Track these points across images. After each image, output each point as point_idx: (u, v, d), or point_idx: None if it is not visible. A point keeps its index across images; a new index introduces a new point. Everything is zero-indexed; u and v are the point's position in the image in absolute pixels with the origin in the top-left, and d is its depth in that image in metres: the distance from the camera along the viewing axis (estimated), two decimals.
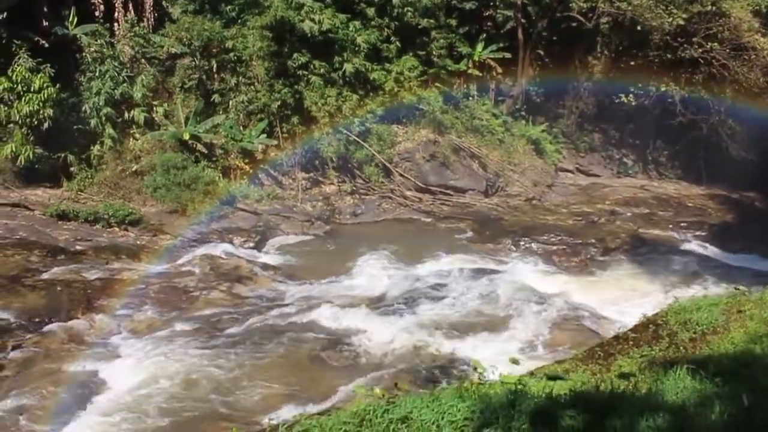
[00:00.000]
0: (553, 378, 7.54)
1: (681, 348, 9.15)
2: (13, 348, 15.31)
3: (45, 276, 18.99)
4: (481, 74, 32.96)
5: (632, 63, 32.66)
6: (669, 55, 31.48)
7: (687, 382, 6.33)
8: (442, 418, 5.50)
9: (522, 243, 24.49)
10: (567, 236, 25.08)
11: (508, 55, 33.01)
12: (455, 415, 5.55)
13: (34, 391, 13.73)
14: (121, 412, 13.24)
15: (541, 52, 34.32)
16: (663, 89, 31.31)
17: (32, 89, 23.12)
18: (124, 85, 25.55)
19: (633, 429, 5.10)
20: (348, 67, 27.98)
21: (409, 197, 28.39)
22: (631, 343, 9.95)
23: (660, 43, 30.98)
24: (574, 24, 32.53)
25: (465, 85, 32.83)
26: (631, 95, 31.95)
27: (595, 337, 16.00)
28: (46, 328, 16.34)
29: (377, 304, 18.68)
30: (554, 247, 24.13)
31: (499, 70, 33.32)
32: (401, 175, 28.68)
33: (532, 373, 9.48)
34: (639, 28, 30.48)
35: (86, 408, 13.41)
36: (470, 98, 32.57)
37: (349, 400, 11.65)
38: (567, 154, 34.82)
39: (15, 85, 23.05)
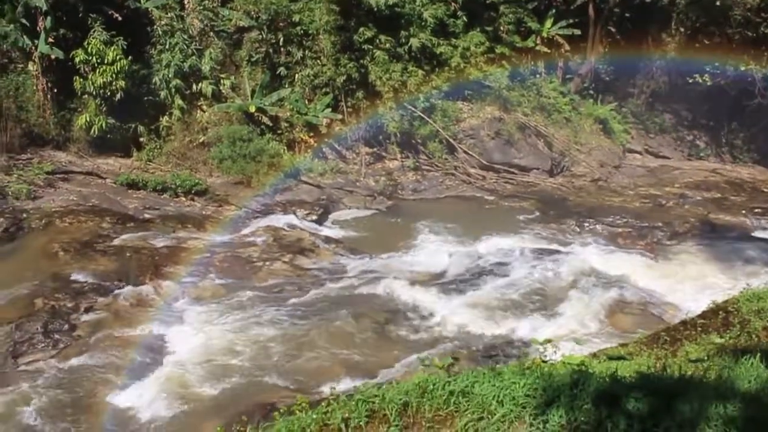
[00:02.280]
0: (616, 358, 7.40)
1: (754, 336, 8.83)
2: (86, 310, 15.93)
3: (115, 242, 19.61)
4: (549, 51, 32.31)
5: (709, 41, 31.43)
6: (750, 33, 30.18)
7: (760, 371, 6.10)
8: (503, 394, 5.46)
9: (586, 224, 24.04)
10: (633, 219, 24.50)
11: (577, 32, 32.21)
12: (516, 392, 5.50)
13: (104, 351, 14.28)
14: (185, 375, 13.64)
15: (613, 29, 33.39)
16: (742, 69, 30.01)
17: (106, 61, 23.73)
18: (193, 57, 25.97)
19: (702, 415, 4.95)
20: (414, 42, 27.78)
21: (472, 175, 28.15)
22: (699, 329, 9.65)
23: (741, 19, 29.74)
24: None
25: (532, 62, 32.25)
26: (706, 75, 30.78)
27: (659, 322, 15.64)
28: (116, 291, 16.91)
29: (438, 280, 18.65)
30: (619, 230, 23.60)
31: (568, 47, 32.59)
32: (465, 152, 28.44)
33: (594, 355, 9.32)
34: (718, 3, 29.27)
35: (152, 369, 13.86)
36: (537, 76, 32.02)
37: (408, 374, 11.70)
38: (636, 135, 33.92)
39: (90, 58, 23.69)
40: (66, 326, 15.17)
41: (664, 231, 23.52)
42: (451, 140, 28.15)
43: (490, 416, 5.30)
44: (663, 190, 28.82)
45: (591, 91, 33.42)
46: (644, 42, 32.77)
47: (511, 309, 17.04)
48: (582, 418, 5.14)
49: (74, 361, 13.99)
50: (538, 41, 32.21)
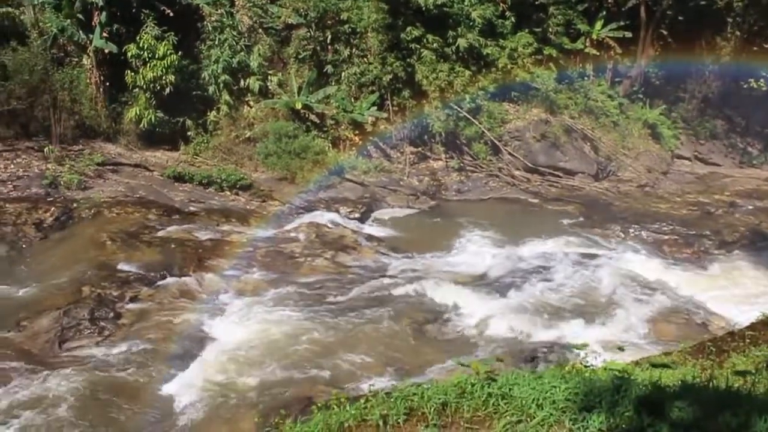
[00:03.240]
0: (659, 366, 7.26)
1: None
2: (131, 299, 16.25)
3: (161, 234, 19.95)
4: (598, 53, 31.89)
5: (767, 44, 30.64)
6: None
7: None
8: (543, 397, 5.41)
9: (631, 230, 23.67)
10: (680, 226, 24.05)
11: (628, 34, 31.73)
12: (556, 395, 5.44)
13: (147, 339, 14.54)
14: (225, 366, 13.80)
15: (665, 32, 32.80)
16: None
17: (156, 56, 24.18)
18: (242, 53, 26.29)
19: (749, 429, 4.83)
20: (461, 42, 27.70)
21: (516, 177, 27.95)
22: (747, 341, 9.41)
23: None
24: (703, 2, 30.85)
25: (581, 65, 31.89)
26: (762, 80, 30.02)
27: (704, 332, 15.33)
28: (160, 282, 17.21)
29: (479, 282, 18.56)
30: (665, 237, 23.19)
31: (618, 49, 32.12)
32: (510, 153, 28.25)
33: (636, 363, 9.17)
34: None
35: (193, 359, 14.06)
36: (585, 78, 31.63)
37: (447, 374, 11.67)
38: (685, 141, 33.31)
39: (142, 52, 24.18)
40: (111, 314, 15.51)
41: (712, 240, 23.04)
42: (496, 141, 27.98)
43: (529, 419, 5.25)
44: (712, 198, 28.23)
45: (640, 95, 32.89)
46: (697, 45, 32.13)
47: (551, 313, 16.85)
48: (623, 425, 5.06)
49: (118, 348, 14.29)
50: (588, 43, 31.83)
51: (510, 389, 5.54)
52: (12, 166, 22.25)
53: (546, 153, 28.69)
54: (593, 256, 20.62)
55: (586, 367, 6.66)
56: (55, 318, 15.05)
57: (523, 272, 19.23)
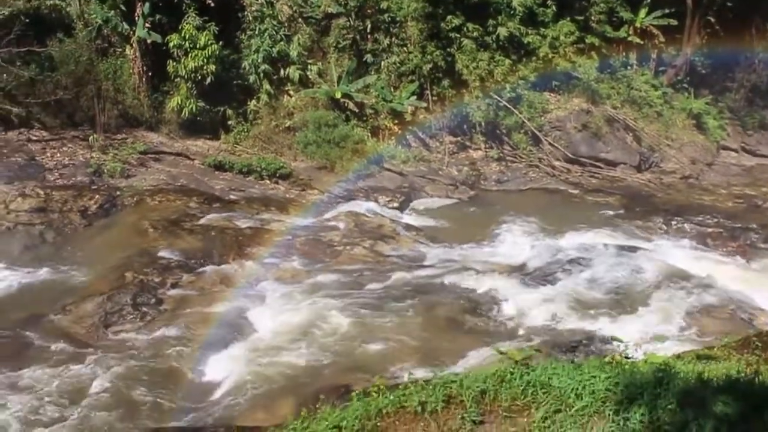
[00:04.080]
0: (703, 359, 7.15)
1: None
2: (172, 285, 16.50)
3: (201, 221, 20.21)
4: (642, 42, 31.27)
5: None
6: None
7: None
8: (583, 388, 5.38)
9: (674, 222, 23.23)
10: (725, 219, 23.52)
11: (673, 22, 31.04)
12: (596, 386, 5.41)
13: (187, 325, 14.77)
14: (263, 353, 13.96)
15: (712, 19, 31.98)
16: None
17: (198, 46, 24.41)
18: (282, 43, 26.42)
19: None
20: (502, 31, 27.44)
21: (557, 167, 27.66)
22: None
23: None
24: None
25: (623, 54, 31.32)
26: None
27: (748, 327, 14.99)
28: (201, 269, 17.44)
29: (518, 272, 18.42)
30: (710, 230, 22.69)
31: (662, 38, 31.42)
32: (550, 144, 27.95)
33: (678, 356, 9.02)
34: None
35: (232, 345, 14.25)
36: (628, 67, 31.08)
37: (485, 364, 11.63)
38: (732, 131, 32.55)
39: (183, 42, 24.43)
40: (153, 300, 15.78)
41: (758, 233, 22.48)
42: (536, 132, 27.71)
43: (568, 409, 5.22)
44: (759, 191, 27.56)
45: (685, 85, 32.19)
46: (746, 33, 31.30)
47: (591, 305, 16.65)
48: (666, 418, 4.99)
49: (159, 334, 14.54)
50: (631, 31, 31.22)
51: (549, 379, 5.51)
52: (58, 154, 22.71)
53: (587, 143, 28.33)
54: (634, 249, 20.28)
55: (626, 358, 6.58)
56: (99, 303, 15.37)
57: (562, 263, 18.99)
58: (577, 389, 5.31)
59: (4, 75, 23.06)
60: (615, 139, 28.69)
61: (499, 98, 27.37)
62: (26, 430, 11.38)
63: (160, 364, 13.51)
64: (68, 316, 15.02)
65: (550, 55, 28.53)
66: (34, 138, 23.10)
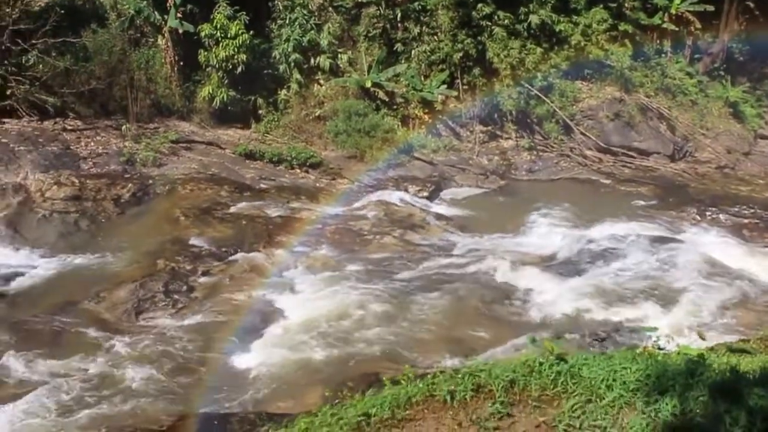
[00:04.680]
0: (738, 352, 7.03)
1: None
2: (203, 273, 16.70)
3: (232, 210, 20.39)
4: (677, 29, 30.62)
5: None
6: None
7: None
8: (614, 379, 5.32)
9: (708, 213, 22.82)
10: (762, 209, 23.04)
11: (710, 8, 30.28)
12: (627, 377, 5.34)
13: (218, 312, 14.98)
14: (293, 341, 14.11)
15: (751, 4, 31.19)
16: None
17: (229, 35, 24.56)
18: (312, 32, 26.44)
19: None
20: (533, 19, 27.12)
21: (588, 157, 27.33)
22: None
23: None
24: None
25: (658, 41, 30.72)
26: None
27: None
28: (231, 257, 17.62)
29: (547, 263, 18.30)
30: (746, 221, 22.25)
31: (698, 24, 30.68)
32: (582, 133, 27.61)
33: (711, 348, 8.89)
34: None
35: (262, 333, 14.43)
36: (662, 55, 30.49)
37: (513, 354, 11.58)
38: None
39: (215, 32, 24.59)
40: (184, 287, 15.98)
41: None
42: (568, 121, 27.39)
43: (598, 399, 5.17)
44: None
45: (721, 72, 31.46)
46: None
47: (622, 296, 16.49)
48: (698, 410, 4.92)
49: (190, 320, 14.77)
50: (666, 18, 30.56)
51: (579, 369, 5.46)
52: (92, 143, 23.03)
53: (619, 132, 27.92)
54: (667, 240, 20.01)
55: (658, 350, 6.49)
56: (132, 290, 15.61)
57: (593, 254, 18.83)
58: (608, 380, 5.25)
59: (41, 65, 23.42)
60: (648, 128, 28.23)
61: (530, 87, 27.08)
62: (61, 413, 11.61)
63: (191, 350, 13.70)
64: (102, 303, 15.29)
65: (582, 43, 28.10)
66: (69, 127, 23.44)
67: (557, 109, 27.15)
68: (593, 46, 28.25)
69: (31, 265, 17.28)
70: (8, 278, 16.58)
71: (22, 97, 23.12)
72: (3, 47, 22.85)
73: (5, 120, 22.81)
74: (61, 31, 23.66)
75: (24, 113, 23.15)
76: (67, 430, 11.18)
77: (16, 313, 15.00)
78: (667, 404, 4.95)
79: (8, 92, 23.00)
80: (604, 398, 5.15)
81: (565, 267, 17.95)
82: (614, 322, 15.04)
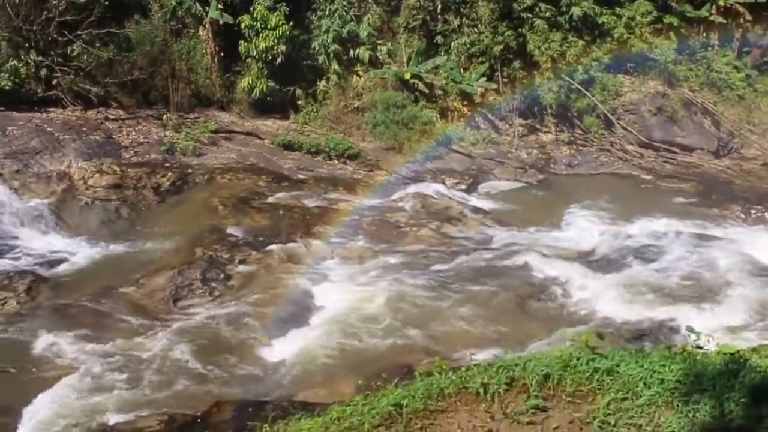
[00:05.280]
0: None
1: None
2: (240, 262, 16.85)
3: (270, 200, 20.52)
4: (725, 21, 29.82)
5: None
6: None
7: None
8: (651, 377, 5.24)
9: (753, 211, 22.33)
10: None
11: None
12: (665, 376, 5.26)
13: (254, 301, 15.13)
14: (327, 331, 14.19)
15: None
16: None
17: (269, 26, 24.66)
18: (352, 23, 26.43)
19: None
20: (575, 11, 26.71)
21: (629, 152, 26.89)
22: None
23: None
24: None
25: (704, 34, 30.01)
26: None
27: None
28: (268, 247, 17.73)
29: (585, 258, 18.06)
30: None
31: (749, 16, 29.84)
32: (623, 128, 27.16)
33: (754, 349, 8.70)
34: None
35: (297, 322, 14.53)
36: (709, 48, 29.76)
37: (549, 348, 11.47)
38: None
39: (255, 23, 24.71)
40: (221, 276, 16.15)
41: None
42: (609, 115, 26.96)
43: (635, 397, 5.10)
44: None
45: None
46: None
47: (661, 294, 16.20)
48: (738, 412, 4.82)
49: (227, 308, 14.93)
50: (713, 10, 29.82)
51: (616, 366, 5.39)
52: (134, 132, 23.36)
53: (662, 127, 27.40)
54: (709, 237, 19.60)
55: (697, 349, 6.37)
56: (170, 277, 15.83)
57: (632, 250, 18.51)
58: (645, 378, 5.18)
59: (85, 56, 23.82)
60: (692, 124, 27.66)
61: (570, 80, 26.71)
62: (100, 394, 11.86)
63: (227, 338, 13.87)
64: (141, 289, 15.55)
65: (625, 36, 27.60)
66: (111, 117, 23.82)
67: (598, 103, 26.75)
68: (636, 39, 27.75)
69: (73, 251, 17.67)
70: (52, 263, 16.98)
71: (67, 87, 23.58)
72: (50, 38, 23.29)
73: (51, 109, 23.28)
74: (105, 22, 24.01)
75: (69, 103, 23.61)
76: (106, 410, 11.41)
77: (59, 297, 15.35)
78: (705, 405, 4.86)
79: (54, 82, 23.47)
80: (640, 396, 5.08)
81: (603, 263, 17.70)
82: (652, 319, 14.79)
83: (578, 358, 5.44)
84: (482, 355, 11.71)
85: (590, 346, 5.75)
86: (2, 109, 22.19)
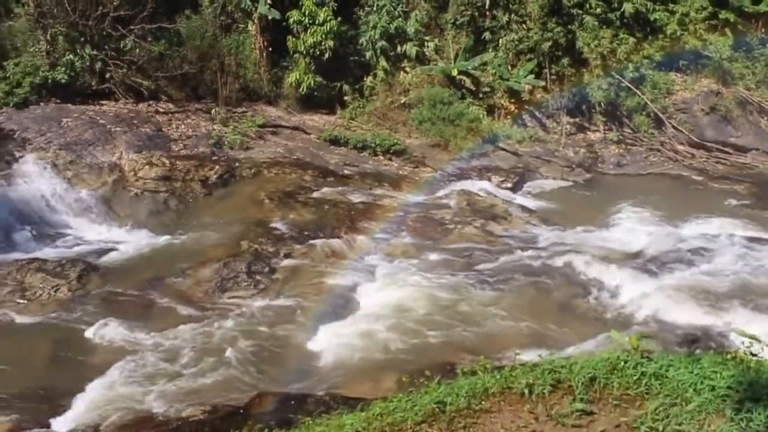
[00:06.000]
0: None
1: None
2: (285, 255, 17.00)
3: (315, 195, 20.64)
4: None
5: None
6: None
7: None
8: (701, 382, 5.09)
9: None
10: None
11: None
12: (717, 382, 5.10)
13: (298, 295, 15.25)
14: (370, 327, 14.18)
15: None
16: None
17: (317, 22, 24.80)
18: (399, 19, 26.40)
19: None
20: (627, 7, 26.21)
21: (680, 152, 26.30)
22: None
23: None
24: None
25: (763, 30, 29.13)
26: None
27: None
28: (313, 241, 17.82)
29: (633, 260, 17.70)
30: None
31: None
32: (674, 127, 26.58)
33: None
34: None
35: (340, 317, 14.58)
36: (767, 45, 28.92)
37: (594, 351, 11.29)
38: None
39: (303, 18, 24.88)
40: (266, 269, 16.31)
41: None
42: (659, 114, 26.41)
43: (684, 403, 4.97)
44: None
45: None
46: None
47: (712, 298, 15.74)
48: None
49: (271, 301, 15.09)
50: None
51: (665, 370, 5.26)
52: (182, 126, 23.73)
53: (715, 127, 26.75)
54: (764, 241, 19.03)
55: (752, 356, 6.18)
56: (216, 269, 16.05)
57: (682, 253, 18.07)
58: (696, 384, 5.03)
59: (137, 50, 24.27)
60: (747, 123, 26.93)
61: (620, 78, 26.23)
62: (146, 383, 12.08)
63: (271, 330, 14.01)
64: (187, 280, 15.80)
65: (678, 33, 26.96)
66: (161, 110, 24.23)
67: (649, 102, 26.23)
68: (690, 36, 27.08)
69: (122, 241, 18.08)
70: (102, 252, 17.39)
71: (120, 81, 24.09)
72: (104, 33, 23.78)
73: (104, 102, 23.80)
74: (157, 17, 24.42)
75: (121, 96, 24.11)
76: (151, 399, 11.62)
77: (109, 285, 15.70)
78: (759, 414, 4.71)
79: (107, 76, 23.98)
80: (690, 402, 4.94)
81: (652, 265, 17.30)
82: (702, 324, 14.43)
83: (626, 362, 5.33)
84: (526, 356, 11.55)
85: (638, 350, 5.63)
86: (58, 101, 22.81)
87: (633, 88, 26.16)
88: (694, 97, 27.06)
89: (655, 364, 5.31)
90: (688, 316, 14.81)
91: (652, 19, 26.87)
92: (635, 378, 5.17)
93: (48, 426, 11.08)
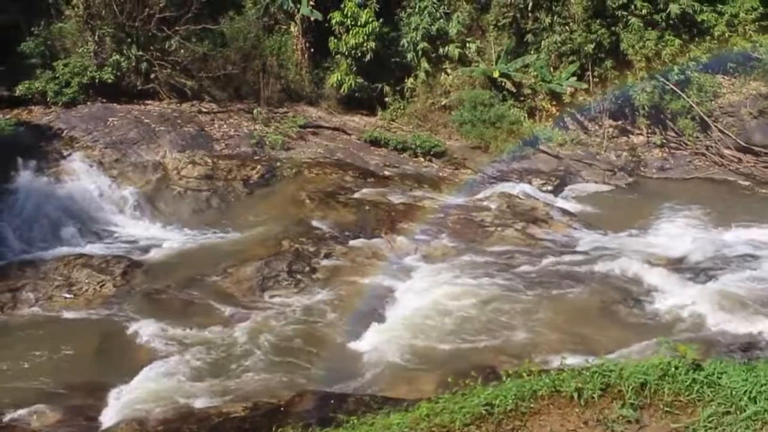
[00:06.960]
0: None
1: None
2: (325, 255, 17.08)
3: (356, 195, 20.70)
4: None
5: None
6: None
7: None
8: (757, 390, 4.99)
9: None
10: None
11: None
12: None
13: (338, 295, 15.31)
14: (409, 328, 14.15)
15: None
16: None
17: (359, 23, 24.90)
18: (441, 21, 26.38)
19: None
20: (673, 8, 25.73)
21: (726, 156, 25.78)
22: None
23: None
24: None
25: None
26: None
27: None
28: (353, 241, 17.91)
29: (677, 265, 17.40)
30: None
31: None
32: (720, 131, 26.05)
33: None
34: None
35: (379, 318, 14.60)
36: None
37: (637, 357, 11.12)
38: None
39: (345, 20, 25.00)
40: (307, 268, 16.40)
41: None
42: (705, 117, 25.90)
43: (738, 412, 4.87)
44: None
45: None
46: None
47: (759, 305, 15.40)
48: None
49: (311, 300, 15.18)
50: None
51: (717, 378, 5.17)
52: (225, 126, 23.98)
53: (763, 131, 26.08)
54: None
55: None
56: (257, 268, 16.18)
57: (727, 259, 17.71)
58: (751, 392, 4.93)
59: (182, 51, 24.61)
60: None
61: (665, 81, 25.77)
62: (187, 380, 12.23)
63: (312, 329, 14.08)
64: (228, 278, 15.96)
65: (726, 34, 26.36)
66: (204, 110, 24.51)
67: (694, 105, 25.72)
68: (739, 38, 26.46)
69: (166, 238, 18.38)
70: (145, 249, 17.69)
71: (164, 81, 24.42)
72: (150, 34, 24.16)
73: (148, 102, 24.17)
74: (201, 18, 24.72)
75: (165, 95, 24.46)
76: (193, 394, 11.76)
77: (152, 282, 15.96)
78: None
79: (152, 76, 24.33)
80: (744, 410, 4.84)
81: (697, 271, 16.99)
82: (751, 332, 14.09)
83: (677, 368, 5.24)
84: (568, 360, 11.45)
85: (689, 356, 5.53)
86: (105, 101, 23.21)
87: (678, 90, 25.70)
88: (742, 100, 26.47)
89: (708, 371, 5.22)
90: (737, 323, 14.48)
91: (699, 20, 26.34)
92: (687, 384, 5.10)
93: (94, 419, 11.29)
